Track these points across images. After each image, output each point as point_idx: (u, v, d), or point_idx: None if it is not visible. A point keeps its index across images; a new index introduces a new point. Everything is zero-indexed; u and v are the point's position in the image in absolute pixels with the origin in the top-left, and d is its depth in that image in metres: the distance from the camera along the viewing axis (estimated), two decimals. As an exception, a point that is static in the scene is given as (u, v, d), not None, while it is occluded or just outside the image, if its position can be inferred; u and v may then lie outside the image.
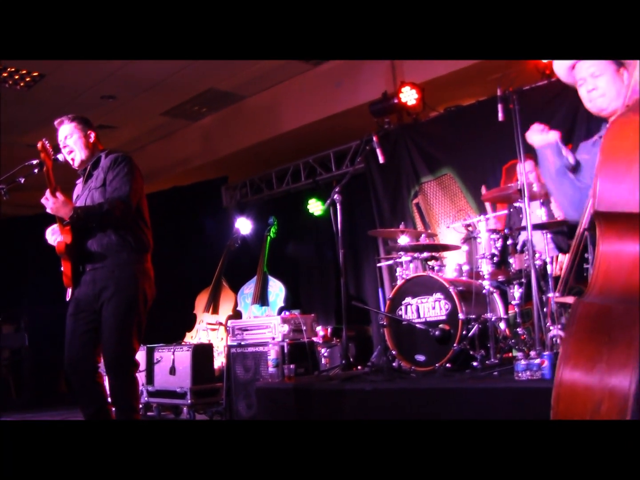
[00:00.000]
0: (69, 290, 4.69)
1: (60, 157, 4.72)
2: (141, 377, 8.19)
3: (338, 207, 6.35)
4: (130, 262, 4.60)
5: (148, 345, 8.36)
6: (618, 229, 2.48)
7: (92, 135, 4.85)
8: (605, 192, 2.47)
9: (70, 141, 4.77)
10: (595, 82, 3.32)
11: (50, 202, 4.40)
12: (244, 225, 10.05)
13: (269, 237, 9.13)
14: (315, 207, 10.33)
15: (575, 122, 7.23)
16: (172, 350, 8.13)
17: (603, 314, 2.35)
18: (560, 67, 3.54)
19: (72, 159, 4.81)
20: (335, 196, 6.33)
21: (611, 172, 2.48)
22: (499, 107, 5.62)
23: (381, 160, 6.85)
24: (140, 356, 7.95)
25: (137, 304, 4.57)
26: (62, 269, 4.66)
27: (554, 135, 3.63)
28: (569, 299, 3.23)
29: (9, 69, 8.88)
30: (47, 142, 4.52)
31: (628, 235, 2.45)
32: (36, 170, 4.56)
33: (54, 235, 4.61)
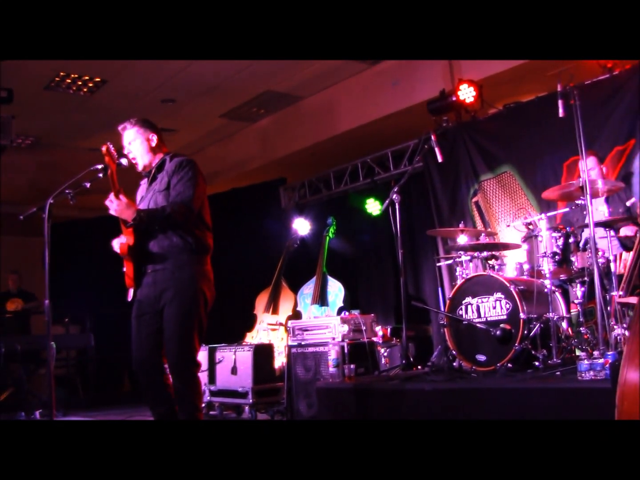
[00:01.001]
0: (131, 291, 4.76)
1: (124, 161, 4.78)
2: (203, 376, 8.27)
3: (397, 206, 6.35)
4: (190, 263, 4.64)
5: (210, 346, 8.44)
6: None
7: (155, 138, 4.90)
8: None
9: (133, 146, 4.83)
10: None
11: (114, 205, 4.46)
12: (302, 226, 10.07)
13: (327, 238, 9.14)
14: (374, 207, 10.32)
15: (638, 116, 7.10)
16: (233, 350, 8.20)
17: None
18: None
19: (136, 164, 4.88)
20: (394, 196, 6.33)
21: None
22: (560, 102, 5.54)
23: (440, 159, 6.82)
24: (202, 356, 8.07)
25: (198, 305, 4.62)
26: (124, 270, 4.73)
27: None
28: (632, 299, 3.20)
29: (72, 75, 9.06)
30: (111, 145, 4.59)
31: None
32: (101, 175, 4.63)
33: (119, 239, 4.68)
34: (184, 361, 4.57)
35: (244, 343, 8.53)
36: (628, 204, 6.15)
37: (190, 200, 4.62)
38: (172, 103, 10.36)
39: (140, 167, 4.90)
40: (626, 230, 6.21)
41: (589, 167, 5.72)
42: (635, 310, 2.51)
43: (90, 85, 9.41)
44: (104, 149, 4.55)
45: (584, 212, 6.30)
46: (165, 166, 4.84)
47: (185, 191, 4.64)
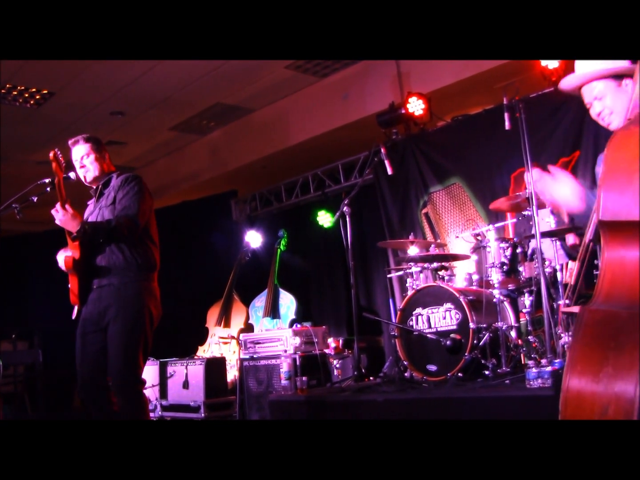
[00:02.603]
0: (76, 308, 4.73)
1: (72, 175, 4.77)
2: (155, 391, 8.23)
3: (347, 219, 6.38)
4: (136, 280, 4.64)
5: (161, 360, 8.39)
6: (622, 237, 2.53)
7: (107, 156, 4.93)
8: (608, 202, 2.53)
9: (87, 161, 4.83)
10: (602, 104, 3.36)
11: (59, 215, 4.44)
12: (254, 239, 10.08)
13: (279, 250, 9.17)
14: (325, 219, 10.36)
15: (583, 128, 7.23)
16: (185, 364, 8.17)
17: (609, 320, 2.39)
18: (567, 88, 3.56)
19: (87, 178, 4.87)
20: (344, 208, 6.36)
21: (614, 183, 2.54)
22: (506, 115, 5.65)
23: (389, 171, 6.88)
24: (154, 371, 8.02)
25: (143, 323, 4.60)
26: (69, 286, 4.69)
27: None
28: (575, 309, 3.26)
29: (19, 87, 8.94)
30: (59, 152, 4.57)
31: (631, 242, 2.51)
32: (48, 189, 4.62)
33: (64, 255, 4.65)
34: (128, 379, 4.55)
35: (195, 357, 8.51)
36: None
37: (136, 214, 4.62)
38: (121, 116, 10.28)
39: (89, 182, 4.90)
40: (569, 238, 6.31)
41: (534, 178, 5.80)
42: (576, 319, 2.56)
43: (38, 97, 9.29)
44: (51, 155, 4.53)
45: (531, 223, 6.40)
46: (112, 182, 4.84)
47: (130, 205, 4.64)
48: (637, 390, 2.15)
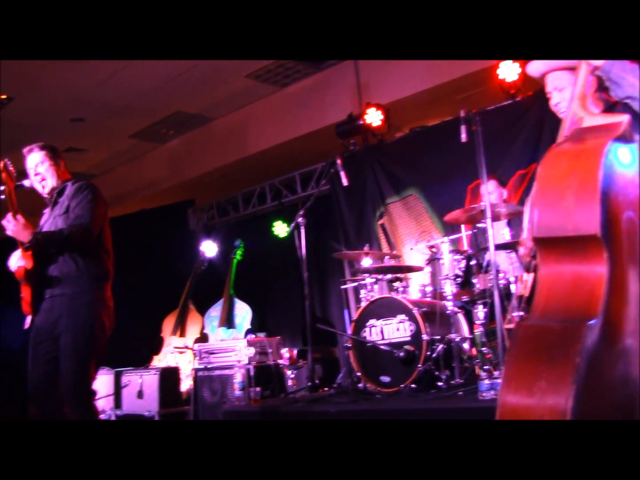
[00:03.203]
0: (28, 318, 4.66)
1: (26, 182, 4.72)
2: (109, 401, 8.14)
3: (302, 230, 6.37)
4: (89, 290, 4.58)
5: (116, 370, 8.30)
6: (556, 252, 2.56)
7: (62, 164, 4.87)
8: (542, 219, 2.56)
9: (42, 169, 4.77)
10: (561, 96, 3.38)
11: (11, 225, 4.39)
12: (210, 248, 10.04)
13: (235, 260, 9.14)
14: (281, 229, 10.35)
15: (540, 141, 7.29)
16: (139, 374, 8.09)
17: (543, 334, 2.42)
18: (533, 73, 3.57)
19: (43, 187, 4.80)
20: (299, 219, 6.35)
21: (546, 200, 2.58)
22: (462, 128, 5.66)
23: (345, 183, 6.86)
24: (108, 380, 7.93)
25: (95, 333, 4.55)
26: (22, 295, 4.63)
27: None
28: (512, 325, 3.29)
29: (-24, 92, 8.84)
30: (9, 162, 4.51)
31: (566, 258, 2.53)
32: (2, 197, 4.55)
33: (17, 261, 4.58)
34: (80, 390, 4.49)
35: (150, 366, 8.43)
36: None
37: (89, 223, 4.57)
38: (81, 122, 10.19)
39: (46, 190, 4.84)
40: (521, 249, 6.36)
41: (489, 191, 5.83)
42: (512, 334, 2.59)
43: (-4, 102, 9.20)
44: (1, 164, 4.47)
45: (486, 235, 6.43)
46: (66, 191, 4.78)
47: (84, 214, 4.59)
48: (568, 402, 2.17)
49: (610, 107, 3.29)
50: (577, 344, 2.26)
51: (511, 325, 3.74)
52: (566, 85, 3.34)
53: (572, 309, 2.42)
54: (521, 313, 5.15)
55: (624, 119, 2.76)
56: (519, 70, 7.31)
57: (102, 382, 7.67)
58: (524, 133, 7.52)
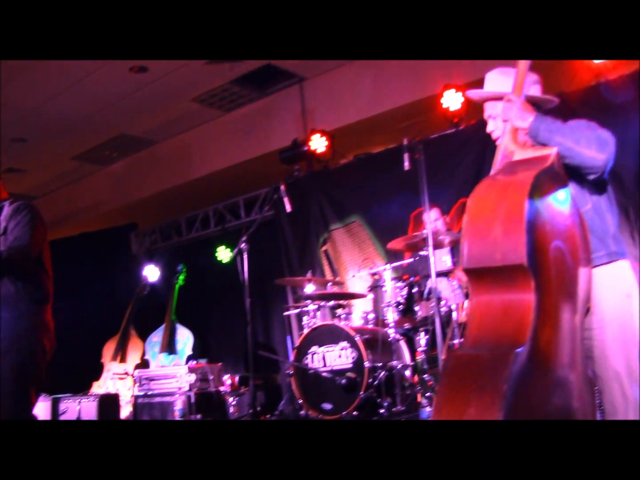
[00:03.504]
0: None
1: None
2: (45, 428, 7.98)
3: (245, 255, 6.33)
4: (28, 313, 4.48)
5: (54, 396, 8.14)
6: (486, 282, 2.62)
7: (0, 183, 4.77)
8: (471, 250, 2.62)
9: None
10: (495, 124, 3.43)
11: None
12: (152, 273, 9.93)
13: (177, 285, 9.05)
14: (224, 254, 10.30)
15: (482, 170, 7.35)
16: (78, 400, 7.93)
17: (473, 363, 2.48)
18: (473, 98, 3.61)
19: None
20: (243, 245, 6.32)
21: (475, 231, 2.64)
22: (405, 156, 5.71)
23: (288, 209, 6.86)
24: (45, 407, 7.75)
25: (35, 357, 4.45)
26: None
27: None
28: None
29: None
30: None
31: (495, 287, 2.59)
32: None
33: None
34: (18, 415, 4.39)
35: (89, 393, 8.29)
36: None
37: (28, 245, 4.47)
38: (23, 142, 10.04)
39: None
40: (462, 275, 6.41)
41: (432, 219, 5.87)
42: (443, 364, 2.63)
43: None
44: None
45: (428, 263, 6.47)
46: (4, 212, 4.68)
47: (22, 236, 4.49)
48: None
49: None
50: (505, 371, 2.30)
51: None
52: (499, 114, 3.39)
53: (501, 337, 2.48)
54: (462, 340, 5.18)
55: (552, 151, 2.83)
56: (462, 99, 7.39)
57: (39, 409, 7.51)
58: (466, 161, 7.59)
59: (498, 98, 3.34)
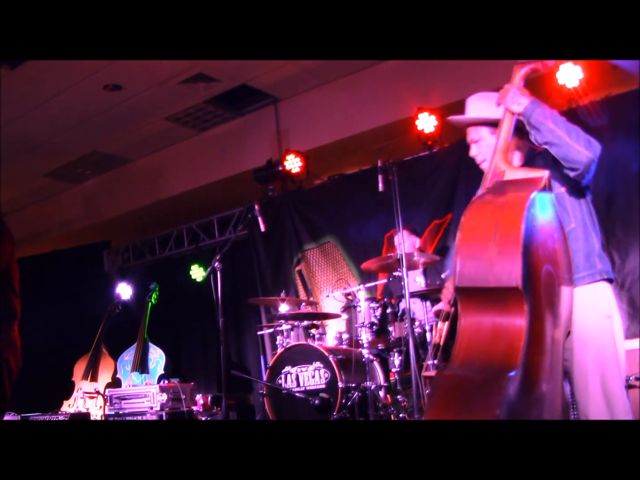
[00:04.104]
0: None
1: None
2: (14, 447, 7.88)
3: (218, 274, 6.31)
4: None
5: (22, 415, 8.05)
6: (477, 302, 2.60)
7: None
8: (464, 269, 2.61)
9: None
10: (477, 148, 3.45)
11: None
12: (124, 291, 9.85)
13: (150, 303, 8.98)
14: (198, 273, 10.27)
15: (455, 192, 7.43)
16: (47, 419, 7.85)
17: (463, 385, 2.46)
18: (455, 123, 3.64)
19: None
20: (216, 264, 6.29)
21: (469, 250, 2.63)
22: (379, 177, 5.74)
23: (262, 228, 6.85)
24: (12, 426, 7.64)
25: (0, 376, 4.40)
26: None
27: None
28: (433, 373, 3.31)
29: None
30: None
31: (486, 308, 2.58)
32: None
33: None
34: None
35: (59, 412, 8.20)
36: (443, 276, 6.36)
37: None
38: (-7, 158, 9.97)
39: None
40: (439, 305, 6.43)
41: (401, 241, 5.90)
42: (432, 383, 2.62)
43: None
44: None
45: (402, 283, 6.49)
46: None
47: None
48: None
49: (532, 157, 3.37)
50: (498, 396, 2.29)
51: (430, 373, 3.75)
52: (480, 139, 3.42)
53: (491, 360, 2.46)
54: (435, 361, 5.20)
55: (544, 174, 2.84)
56: (436, 122, 7.45)
57: (7, 428, 7.43)
58: (440, 183, 7.65)
59: (479, 123, 3.38)
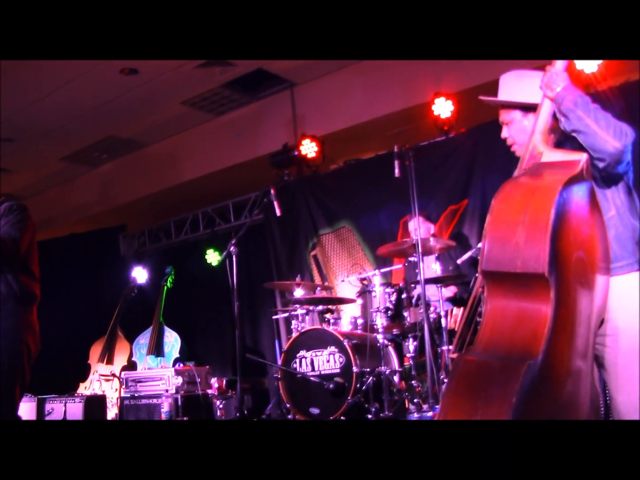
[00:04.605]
0: None
1: None
2: (30, 429, 7.93)
3: (234, 259, 6.33)
4: (14, 313, 4.47)
5: (39, 397, 8.10)
6: (504, 287, 2.55)
7: None
8: (492, 252, 2.55)
9: None
10: (508, 131, 3.38)
11: None
12: (140, 275, 9.90)
13: (165, 287, 9.03)
14: (213, 257, 10.29)
15: (471, 177, 7.41)
16: (63, 401, 7.89)
17: (482, 371, 2.41)
18: (487, 102, 3.58)
19: None
20: (231, 248, 6.31)
21: (498, 234, 2.56)
22: (395, 163, 5.73)
23: (278, 213, 6.86)
24: (30, 408, 7.72)
25: (20, 358, 4.44)
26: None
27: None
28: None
29: None
30: None
31: (513, 293, 2.53)
32: None
33: None
34: (3, 415, 4.38)
35: (76, 394, 8.25)
36: (459, 261, 6.35)
37: (18, 240, 4.47)
38: (10, 142, 10.00)
39: None
40: (446, 292, 6.42)
41: (415, 226, 5.88)
42: (452, 366, 2.60)
43: None
44: None
45: (417, 271, 6.49)
46: None
47: (11, 232, 4.48)
48: None
49: (565, 139, 3.26)
50: (515, 384, 2.25)
51: (455, 355, 3.71)
52: (510, 122, 3.36)
53: (514, 346, 2.42)
54: (451, 348, 5.19)
55: (582, 157, 2.74)
56: (452, 107, 7.41)
57: (24, 410, 7.47)
58: (455, 169, 7.62)
59: (511, 106, 3.33)
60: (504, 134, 3.41)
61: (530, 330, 2.43)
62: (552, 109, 3.05)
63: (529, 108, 3.24)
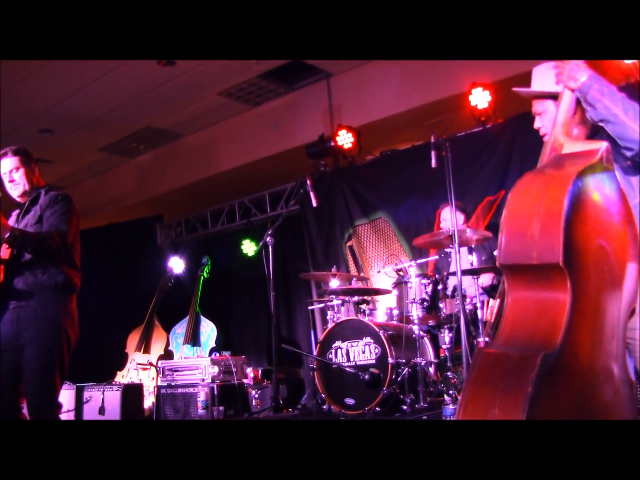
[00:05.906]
0: None
1: None
2: (70, 416, 8.03)
3: (270, 249, 6.36)
4: (54, 302, 4.53)
5: (78, 384, 8.19)
6: (523, 280, 2.54)
7: (36, 169, 4.81)
8: (508, 245, 2.55)
9: (17, 175, 4.70)
10: (541, 121, 3.37)
11: None
12: (177, 264, 9.97)
13: (202, 277, 9.09)
14: (249, 247, 10.33)
15: (509, 168, 7.35)
16: (101, 389, 7.97)
17: (501, 362, 2.41)
18: (520, 94, 3.57)
19: (16, 191, 4.74)
20: (268, 239, 6.34)
21: (514, 226, 2.56)
22: (432, 153, 5.72)
23: (314, 204, 6.88)
24: (69, 395, 7.81)
25: (60, 346, 4.49)
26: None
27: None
28: None
29: (-56, 99, 8.73)
30: None
31: (531, 285, 2.52)
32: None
33: None
34: (44, 402, 4.43)
35: (113, 382, 8.33)
36: (495, 253, 6.31)
37: (65, 232, 4.53)
38: (50, 133, 10.11)
39: (18, 197, 4.78)
40: (484, 279, 6.38)
41: (444, 218, 5.84)
42: (472, 359, 2.59)
43: (-36, 110, 9.08)
44: None
45: (449, 260, 6.48)
46: (40, 200, 4.72)
47: (58, 224, 4.54)
48: None
49: (596, 131, 3.25)
50: (531, 373, 2.24)
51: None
52: (543, 113, 3.35)
53: (534, 337, 2.42)
54: (487, 339, 5.18)
55: (602, 146, 2.72)
56: (490, 98, 7.36)
57: (63, 397, 7.54)
58: (493, 160, 7.57)
59: (544, 96, 3.31)
60: (537, 124, 3.40)
61: (550, 320, 2.42)
62: (572, 101, 3.04)
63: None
